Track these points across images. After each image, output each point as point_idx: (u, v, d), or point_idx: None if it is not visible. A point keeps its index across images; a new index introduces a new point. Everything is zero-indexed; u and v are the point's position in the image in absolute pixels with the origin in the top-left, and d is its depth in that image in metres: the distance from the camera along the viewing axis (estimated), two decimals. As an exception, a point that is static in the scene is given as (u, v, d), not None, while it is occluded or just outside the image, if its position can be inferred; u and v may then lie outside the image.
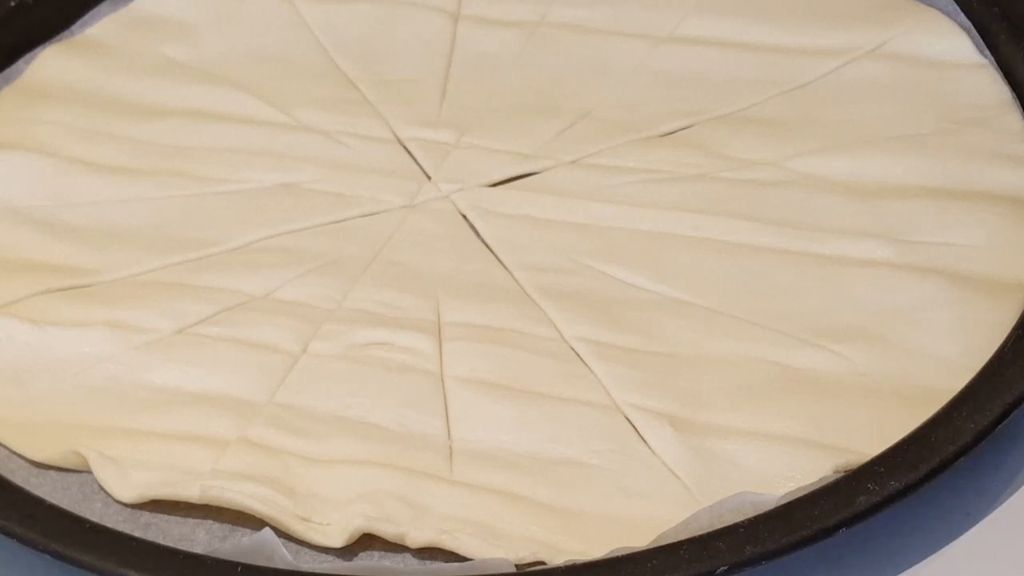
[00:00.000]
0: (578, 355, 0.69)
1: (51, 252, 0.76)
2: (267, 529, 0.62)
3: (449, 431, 0.66)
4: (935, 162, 0.75)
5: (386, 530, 0.62)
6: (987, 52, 0.80)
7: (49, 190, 0.79)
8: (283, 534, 0.63)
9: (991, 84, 0.79)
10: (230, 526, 0.64)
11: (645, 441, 0.65)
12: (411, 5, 0.88)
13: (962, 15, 0.82)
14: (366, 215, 0.77)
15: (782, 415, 0.65)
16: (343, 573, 0.61)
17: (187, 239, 0.76)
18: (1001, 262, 0.70)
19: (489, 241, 0.75)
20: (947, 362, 0.66)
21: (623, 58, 0.84)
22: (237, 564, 0.60)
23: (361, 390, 0.68)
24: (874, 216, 0.73)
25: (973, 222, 0.72)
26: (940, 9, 0.83)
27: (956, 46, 0.81)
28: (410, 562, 0.62)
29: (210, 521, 0.64)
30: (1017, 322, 0.67)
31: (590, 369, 0.68)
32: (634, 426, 0.66)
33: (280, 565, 0.60)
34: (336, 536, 0.62)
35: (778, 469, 0.63)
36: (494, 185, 0.78)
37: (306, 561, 0.62)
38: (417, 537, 0.62)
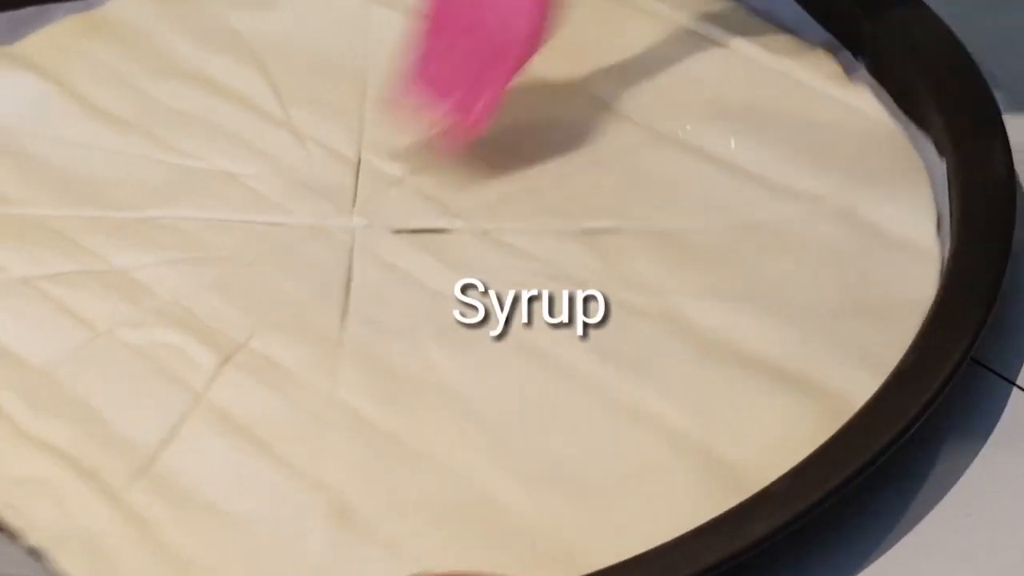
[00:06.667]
0: (333, 422, 0.68)
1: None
2: None
3: (162, 451, 0.67)
4: (800, 343, 0.69)
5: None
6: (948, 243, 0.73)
7: (40, 117, 0.84)
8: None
9: (923, 280, 0.71)
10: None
11: (305, 519, 0.64)
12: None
13: (946, 197, 0.75)
14: (271, 224, 0.78)
15: (447, 542, 0.63)
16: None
17: (111, 198, 0.79)
18: (757, 459, 0.64)
19: (354, 286, 0.74)
20: (620, 537, 0.62)
21: (611, 142, 0.81)
22: None
23: (123, 384, 0.70)
24: (695, 377, 0.68)
25: (768, 415, 0.66)
26: (936, 185, 0.76)
27: (919, 228, 0.74)
28: (23, 559, 0.63)
29: None
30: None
31: (326, 439, 0.67)
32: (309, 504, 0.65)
33: None
34: None
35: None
36: (399, 231, 0.77)
37: None
38: (37, 536, 0.64)
